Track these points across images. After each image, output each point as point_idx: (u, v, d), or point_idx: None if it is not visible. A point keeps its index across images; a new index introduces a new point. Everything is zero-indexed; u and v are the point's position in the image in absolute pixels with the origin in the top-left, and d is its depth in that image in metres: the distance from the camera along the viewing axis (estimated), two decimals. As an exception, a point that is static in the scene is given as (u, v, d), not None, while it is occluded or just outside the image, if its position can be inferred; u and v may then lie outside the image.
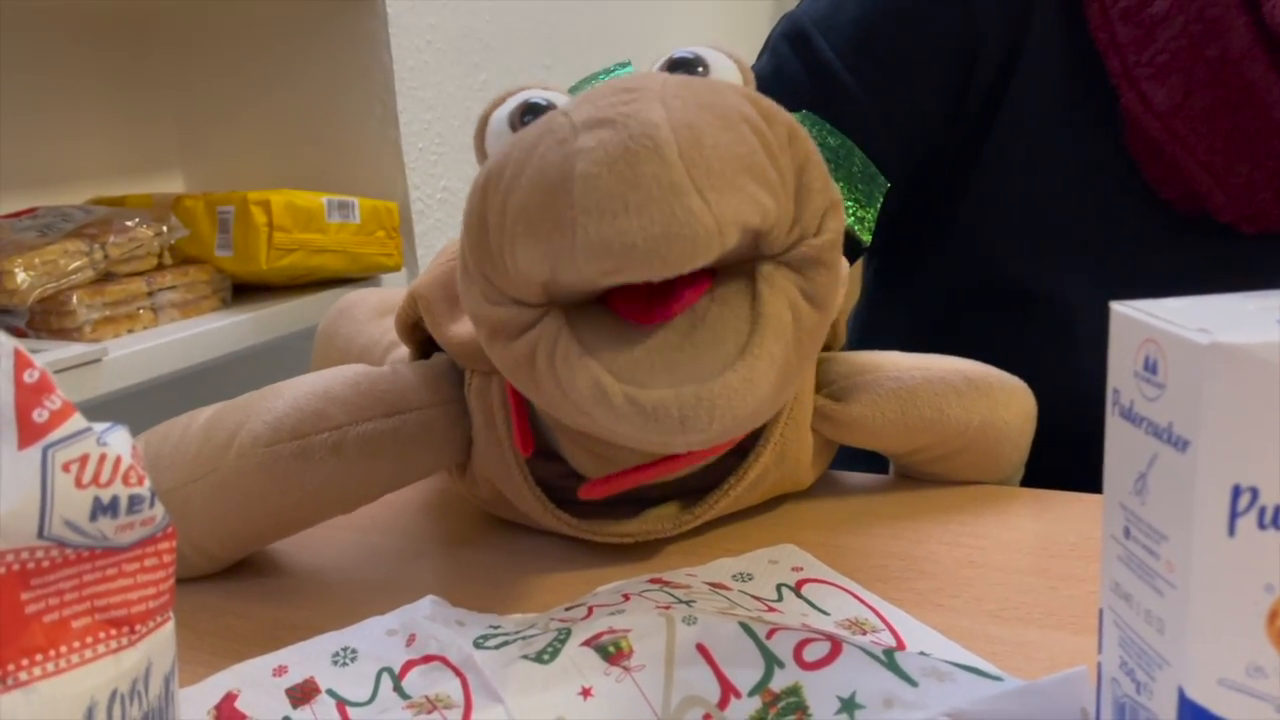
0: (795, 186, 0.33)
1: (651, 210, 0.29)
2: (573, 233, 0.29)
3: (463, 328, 0.44)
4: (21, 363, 0.25)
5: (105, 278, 0.88)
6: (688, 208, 0.29)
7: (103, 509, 0.26)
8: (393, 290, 0.69)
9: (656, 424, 0.32)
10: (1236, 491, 0.24)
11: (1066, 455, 0.53)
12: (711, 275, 0.34)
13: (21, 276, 0.81)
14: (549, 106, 0.35)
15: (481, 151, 0.36)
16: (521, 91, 0.36)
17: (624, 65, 0.45)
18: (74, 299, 0.84)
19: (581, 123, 0.30)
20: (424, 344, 0.50)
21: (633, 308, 0.33)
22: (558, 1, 1.45)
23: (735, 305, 0.33)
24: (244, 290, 1.02)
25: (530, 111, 0.35)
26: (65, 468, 0.25)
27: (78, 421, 0.25)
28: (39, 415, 0.25)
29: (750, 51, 0.66)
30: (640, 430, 0.32)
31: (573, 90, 0.44)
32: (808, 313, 0.34)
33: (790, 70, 0.62)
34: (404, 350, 0.53)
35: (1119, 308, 0.27)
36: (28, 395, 0.25)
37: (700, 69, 0.35)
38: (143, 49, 1.19)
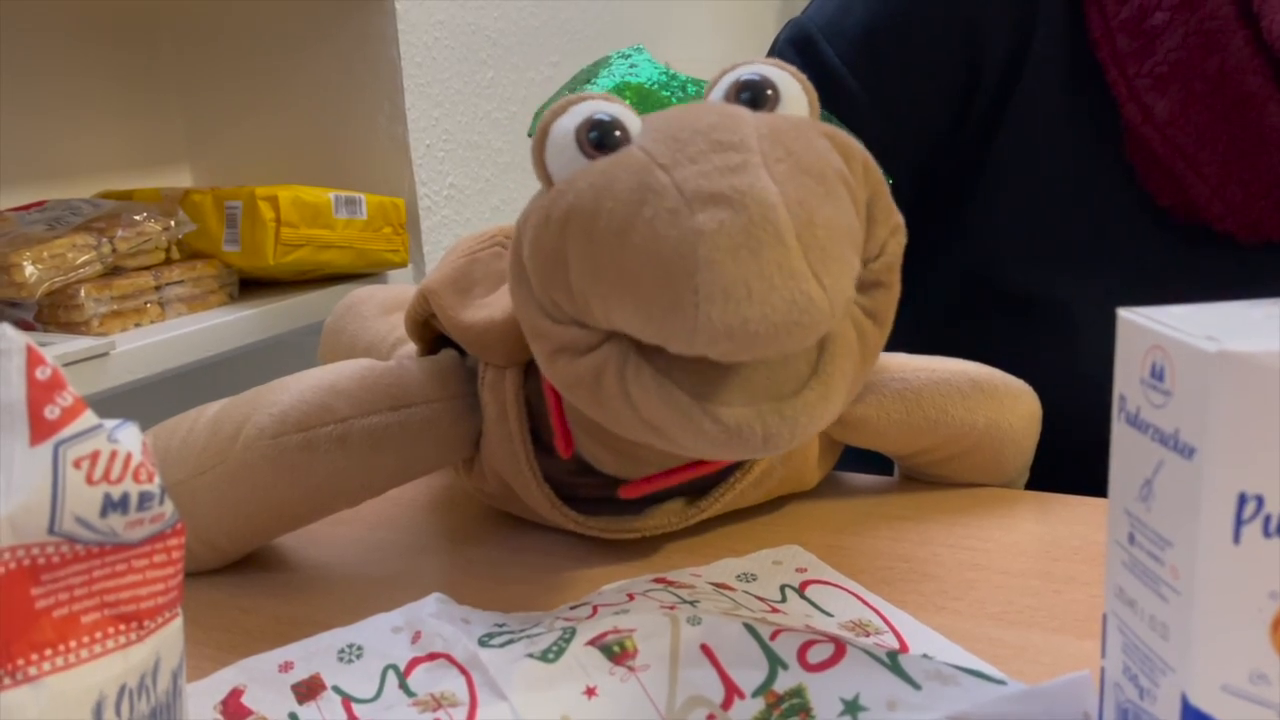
0: (866, 217, 0.34)
1: (773, 299, 0.29)
2: (694, 317, 0.29)
3: (475, 315, 0.44)
4: (34, 360, 0.25)
5: (113, 271, 0.88)
6: (807, 295, 0.29)
7: (113, 505, 0.26)
8: (400, 287, 0.70)
9: (741, 441, 0.32)
10: (1242, 499, 0.24)
11: (1069, 459, 0.53)
12: None
13: (30, 270, 0.82)
14: (614, 123, 0.34)
15: (541, 164, 0.35)
16: (583, 103, 0.35)
17: (638, 49, 0.45)
18: (82, 293, 0.84)
19: (693, 195, 0.30)
20: (432, 341, 0.50)
21: None
22: (566, -1, 1.46)
23: None
24: (251, 285, 1.03)
25: (596, 128, 0.34)
26: (76, 464, 0.25)
27: (89, 418, 0.25)
28: (51, 412, 0.25)
29: (755, 52, 0.66)
30: (722, 448, 0.33)
31: (586, 78, 0.44)
32: (870, 329, 0.35)
33: (796, 75, 0.62)
34: (410, 347, 0.53)
35: (1126, 314, 0.27)
36: (40, 392, 0.25)
37: (770, 92, 0.35)
38: (152, 44, 1.19)
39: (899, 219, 0.36)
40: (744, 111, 0.33)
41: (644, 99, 0.42)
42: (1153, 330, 0.26)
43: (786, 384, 0.33)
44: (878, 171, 0.35)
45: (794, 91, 0.35)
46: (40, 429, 0.25)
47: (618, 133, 0.34)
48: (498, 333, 0.43)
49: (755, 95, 0.35)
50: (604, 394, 0.34)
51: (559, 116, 0.35)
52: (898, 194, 0.45)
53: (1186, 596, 0.25)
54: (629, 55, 0.44)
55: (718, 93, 0.36)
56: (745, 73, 0.35)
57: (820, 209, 0.30)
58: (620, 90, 0.43)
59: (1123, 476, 0.28)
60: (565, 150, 0.34)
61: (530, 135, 0.42)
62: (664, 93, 0.43)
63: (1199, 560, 0.24)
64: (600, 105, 0.34)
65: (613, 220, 0.31)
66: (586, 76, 0.43)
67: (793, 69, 0.36)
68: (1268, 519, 0.24)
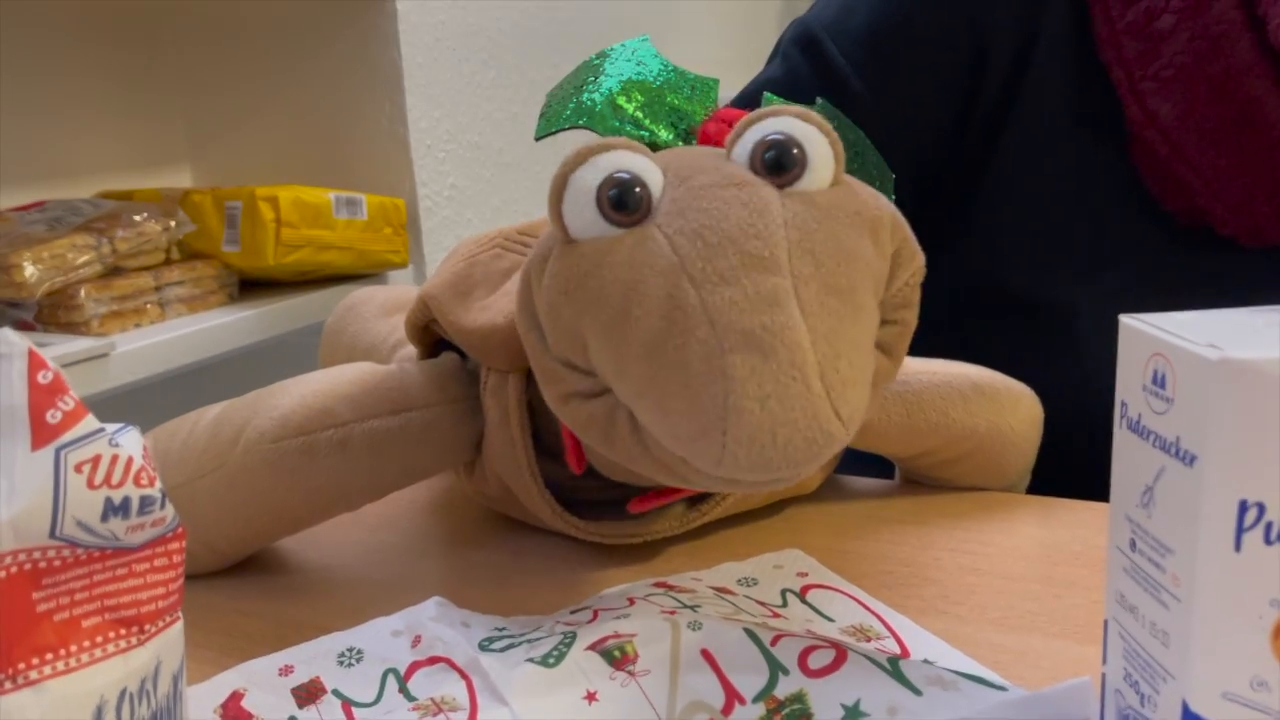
0: (890, 272, 0.35)
1: (796, 440, 0.30)
2: (720, 453, 0.30)
3: (478, 318, 0.44)
4: (35, 364, 0.25)
5: (113, 272, 0.89)
6: (828, 433, 0.30)
7: (114, 510, 0.26)
8: (400, 288, 0.70)
9: (750, 486, 0.33)
10: (1243, 506, 0.24)
11: (1070, 462, 0.53)
12: None
13: (30, 270, 0.82)
14: (634, 181, 0.33)
15: (558, 215, 0.34)
16: (604, 154, 0.34)
17: (642, 40, 0.44)
18: (82, 293, 0.85)
19: (724, 329, 0.30)
20: (433, 346, 0.50)
21: None
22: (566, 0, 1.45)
23: None
24: (251, 286, 1.03)
25: (616, 187, 0.33)
26: (78, 469, 0.25)
27: (90, 423, 0.25)
28: (52, 416, 0.25)
29: (759, 52, 0.66)
30: (733, 485, 0.33)
31: (592, 74, 0.43)
32: (883, 362, 0.36)
33: (800, 75, 0.62)
34: (411, 349, 0.53)
35: (1128, 320, 0.27)
36: (41, 396, 0.25)
37: (795, 151, 0.34)
38: (152, 44, 1.19)
39: (920, 260, 0.36)
40: (771, 200, 0.33)
41: (652, 100, 0.42)
42: (1154, 337, 0.26)
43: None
44: (904, 227, 0.35)
45: (821, 150, 0.34)
46: (42, 433, 0.25)
47: (638, 190, 0.33)
48: (500, 337, 0.43)
49: (781, 157, 0.34)
50: (616, 435, 0.34)
51: (579, 167, 0.34)
52: (900, 195, 0.45)
53: (1187, 603, 0.25)
54: (634, 49, 0.43)
55: (741, 150, 0.35)
56: (770, 131, 0.34)
57: (844, 334, 0.31)
58: (627, 90, 0.42)
59: (1124, 483, 0.28)
60: (585, 208, 0.33)
61: (537, 138, 0.42)
62: (671, 93, 0.42)
63: (1200, 567, 0.24)
64: (621, 160, 0.34)
65: (640, 331, 0.32)
66: (590, 73, 0.43)
67: (819, 120, 0.35)
68: (1269, 526, 0.24)
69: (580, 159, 0.34)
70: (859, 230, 0.33)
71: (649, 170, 0.34)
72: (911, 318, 0.37)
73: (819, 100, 0.44)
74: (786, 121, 0.34)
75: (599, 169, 0.33)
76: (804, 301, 0.31)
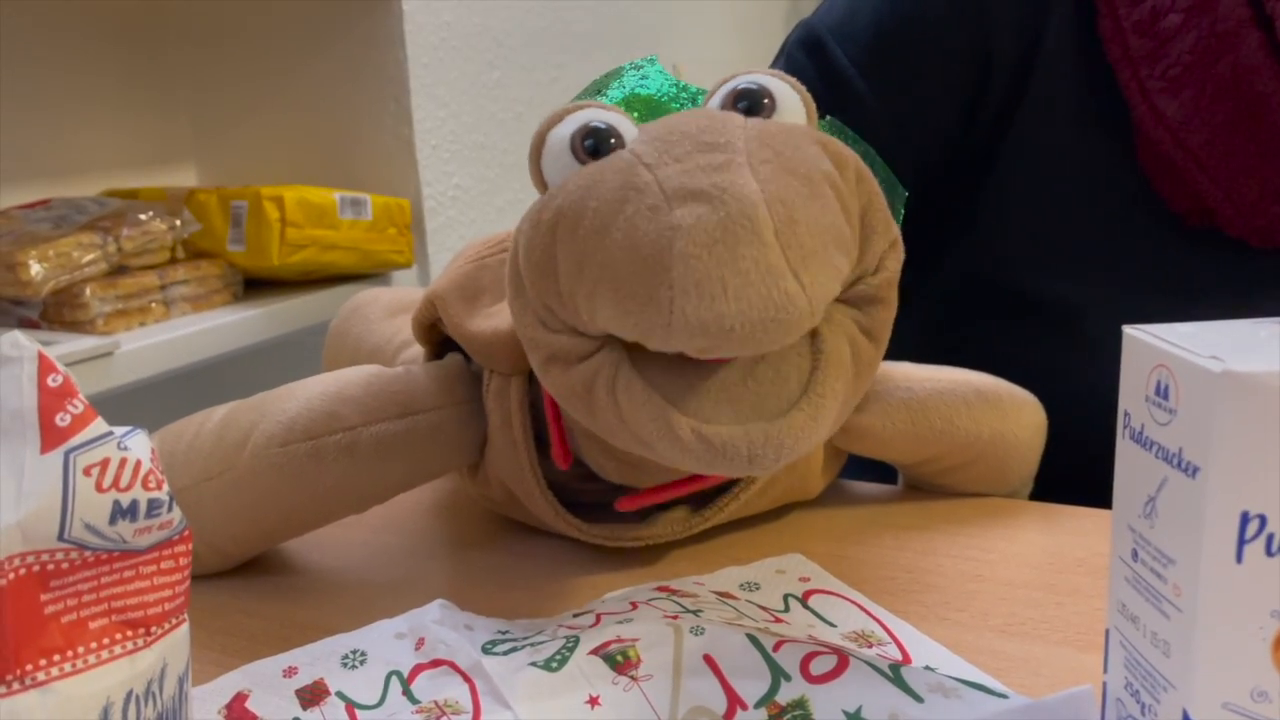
0: (859, 228, 0.34)
1: (749, 294, 0.29)
2: (669, 311, 0.29)
3: (482, 324, 0.44)
4: (45, 367, 0.25)
5: (118, 270, 0.89)
6: (785, 291, 0.29)
7: (122, 512, 0.26)
8: (405, 289, 0.70)
9: (725, 460, 0.32)
10: (1245, 518, 0.24)
11: (1073, 464, 0.53)
12: None
13: (35, 268, 0.82)
14: (610, 131, 0.34)
15: (537, 171, 0.35)
16: (580, 111, 0.35)
17: (650, 60, 0.45)
18: (87, 291, 0.85)
19: (673, 192, 0.30)
20: (439, 347, 0.50)
21: None
22: (572, 0, 1.45)
23: (796, 343, 0.33)
24: (255, 285, 1.03)
25: (591, 136, 0.34)
26: (86, 471, 0.25)
27: (99, 426, 0.26)
28: (61, 419, 0.25)
29: (764, 54, 0.66)
30: (705, 465, 0.33)
31: (597, 89, 0.44)
32: (865, 347, 0.35)
33: (805, 77, 0.62)
34: (416, 350, 0.53)
35: (1131, 331, 0.27)
36: (51, 399, 0.25)
37: (766, 100, 0.35)
38: (158, 43, 1.19)
39: (897, 233, 0.36)
40: (735, 116, 0.33)
41: (654, 111, 0.42)
42: (1158, 348, 0.26)
43: (775, 403, 0.33)
44: (873, 182, 0.34)
45: (791, 101, 0.35)
46: (51, 436, 0.25)
47: (613, 140, 0.34)
48: (504, 342, 0.43)
49: (752, 104, 0.35)
50: (595, 404, 0.34)
51: (555, 125, 0.35)
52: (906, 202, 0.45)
53: (1189, 614, 0.25)
54: (641, 66, 0.44)
55: (715, 101, 0.36)
56: (742, 81, 0.35)
57: (804, 208, 0.30)
58: (630, 102, 0.43)
59: (1126, 493, 0.28)
60: (560, 158, 0.34)
61: None
62: (674, 105, 0.43)
63: (1201, 578, 0.24)
64: (597, 114, 0.35)
65: (596, 218, 0.32)
66: (597, 88, 0.43)
67: (792, 79, 0.36)
68: (1270, 538, 0.24)
69: (556, 118, 0.35)
70: (820, 151, 0.33)
71: (623, 122, 0.35)
72: (893, 297, 0.36)
73: (827, 117, 0.44)
74: (758, 76, 0.36)
75: (573, 123, 0.35)
76: (758, 172, 0.30)
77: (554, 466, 0.46)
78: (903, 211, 0.45)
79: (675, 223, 0.29)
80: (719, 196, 0.29)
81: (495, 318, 0.44)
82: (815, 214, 0.31)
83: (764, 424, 0.32)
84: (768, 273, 0.29)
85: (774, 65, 0.66)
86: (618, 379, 0.33)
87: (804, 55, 0.63)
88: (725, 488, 0.47)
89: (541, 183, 0.35)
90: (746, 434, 0.32)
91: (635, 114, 0.42)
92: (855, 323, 0.35)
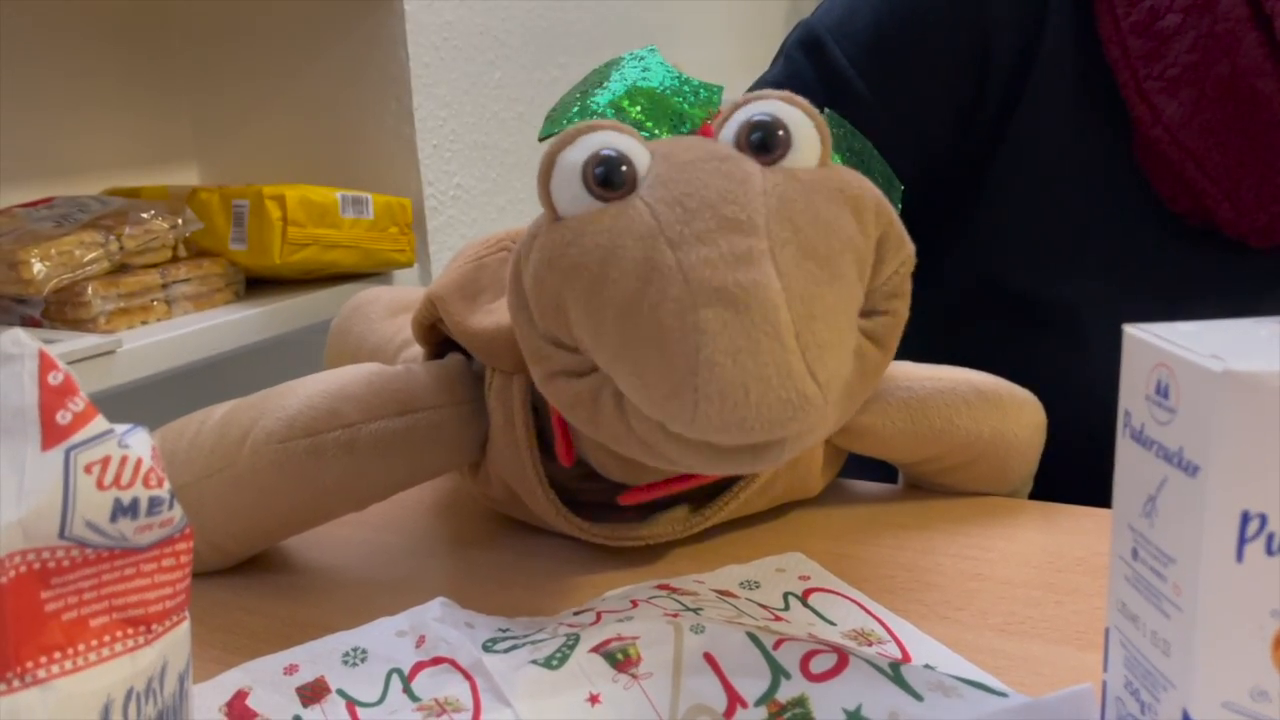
0: (875, 256, 0.34)
1: (770, 400, 0.30)
2: (693, 411, 0.30)
3: (483, 322, 0.44)
4: (46, 365, 0.25)
5: (120, 269, 0.89)
6: (803, 394, 0.30)
7: (123, 510, 0.26)
8: (406, 289, 0.70)
9: (731, 460, 0.32)
10: (1245, 518, 0.24)
11: (1074, 468, 0.53)
12: None
13: (38, 267, 0.82)
14: (620, 159, 0.33)
15: (547, 194, 0.35)
16: (591, 134, 0.35)
17: (651, 50, 0.45)
18: (89, 290, 0.85)
19: (698, 287, 0.30)
20: (439, 345, 0.50)
21: None
22: (573, 0, 1.45)
23: None
24: (257, 284, 1.03)
25: (603, 164, 0.33)
26: (87, 469, 0.25)
27: (100, 423, 0.26)
28: (62, 417, 0.25)
29: (764, 53, 0.66)
30: (712, 466, 0.33)
31: (599, 80, 0.44)
32: (872, 352, 0.36)
33: (804, 78, 0.62)
34: (417, 349, 0.53)
35: (1132, 330, 0.27)
36: (52, 397, 0.25)
37: (781, 133, 0.34)
38: (160, 42, 1.19)
39: (910, 249, 0.36)
40: (753, 172, 0.33)
41: (656, 104, 0.42)
42: (1159, 348, 0.26)
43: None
44: (889, 211, 0.35)
45: (806, 132, 0.35)
46: (52, 434, 0.25)
47: (624, 168, 0.33)
48: (505, 340, 0.43)
49: (766, 137, 0.34)
50: (601, 414, 0.35)
51: (566, 148, 0.34)
52: (904, 197, 0.45)
53: (1189, 613, 0.25)
54: (641, 57, 0.44)
55: (728, 131, 0.35)
56: (757, 112, 0.35)
57: (821, 298, 0.31)
58: (632, 95, 0.42)
59: (1126, 492, 0.28)
60: (571, 185, 0.34)
61: (540, 138, 0.42)
62: (676, 98, 0.43)
63: (1201, 577, 0.24)
64: (608, 139, 0.34)
65: (617, 293, 0.32)
66: (598, 79, 0.43)
67: (805, 104, 0.35)
68: (1270, 537, 0.24)
69: (568, 139, 0.35)
70: (840, 205, 0.33)
71: (635, 149, 0.34)
72: (903, 308, 0.36)
73: (826, 110, 0.44)
74: (772, 104, 0.35)
75: (585, 148, 0.34)
76: (780, 262, 0.31)
77: (555, 465, 0.46)
78: (899, 205, 0.45)
79: (701, 326, 0.30)
80: (743, 300, 0.30)
81: (496, 314, 0.44)
82: (832, 302, 0.32)
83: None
84: (788, 377, 0.30)
85: (773, 65, 0.66)
86: (625, 395, 0.34)
87: (803, 55, 0.63)
88: (725, 486, 0.47)
89: (550, 206, 0.35)
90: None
91: (638, 107, 0.41)
92: (862, 329, 0.35)
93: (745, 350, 0.30)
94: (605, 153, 0.34)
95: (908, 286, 0.36)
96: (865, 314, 0.35)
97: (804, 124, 0.34)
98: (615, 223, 0.33)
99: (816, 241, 0.32)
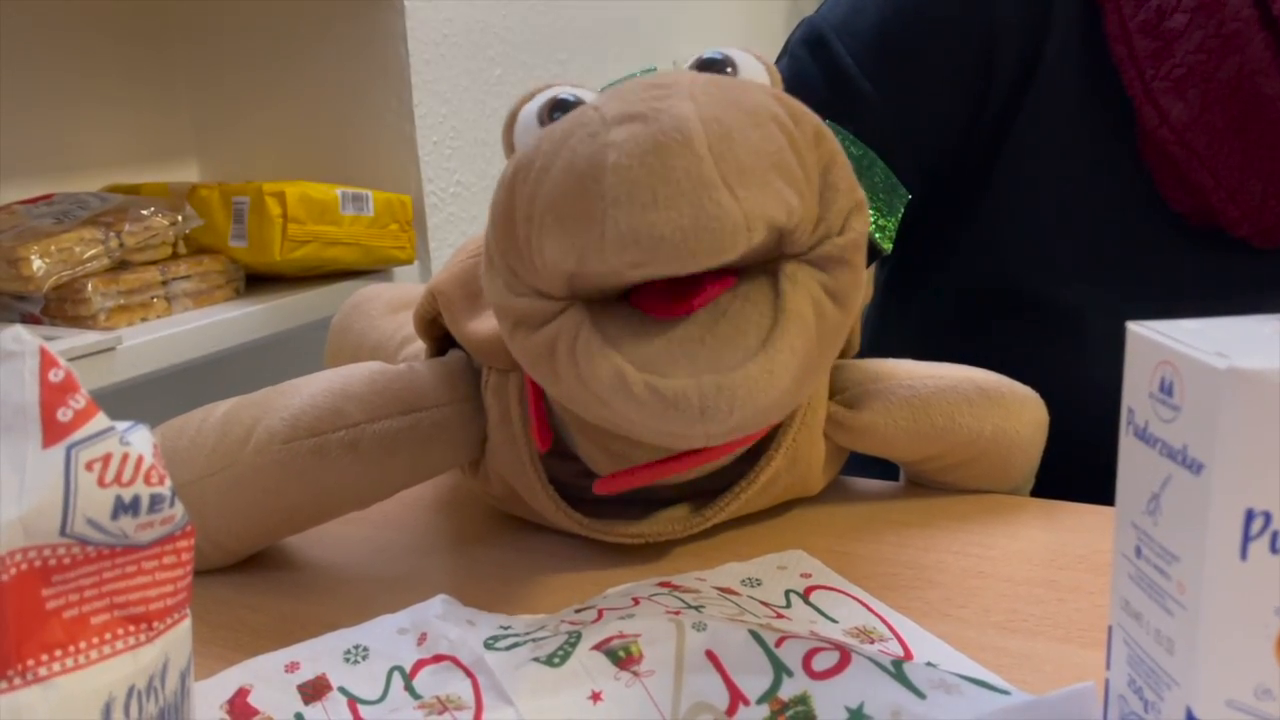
0: (820, 186, 0.33)
1: (681, 203, 0.29)
2: (602, 224, 0.30)
3: (481, 324, 0.44)
4: (47, 362, 0.25)
5: (120, 266, 0.89)
6: (717, 201, 0.29)
7: (124, 508, 0.26)
8: (407, 286, 0.70)
9: (677, 412, 0.32)
10: (1249, 515, 0.24)
11: (1076, 466, 0.53)
12: (735, 274, 0.34)
13: (38, 263, 0.82)
14: (577, 103, 0.35)
15: (510, 147, 0.36)
16: (550, 88, 0.36)
17: (649, 70, 0.45)
18: (89, 287, 0.85)
19: (612, 117, 0.31)
20: (440, 340, 0.50)
21: (655, 303, 0.34)
22: (574, -4, 1.45)
23: (757, 301, 0.33)
24: (257, 281, 1.03)
25: (559, 108, 0.35)
26: (88, 467, 0.25)
27: (101, 421, 0.26)
28: (63, 415, 0.25)
29: (764, 51, 0.66)
30: (659, 420, 0.32)
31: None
32: (830, 309, 0.34)
33: (808, 76, 0.62)
34: (418, 346, 0.53)
35: (1136, 328, 0.27)
36: (53, 394, 0.25)
37: (729, 69, 0.35)
38: (160, 38, 1.19)
39: (862, 195, 0.35)
40: (684, 72, 0.34)
41: None
42: (1163, 345, 0.26)
43: (732, 357, 0.32)
44: (833, 141, 0.34)
45: (755, 70, 0.36)
46: (53, 431, 0.25)
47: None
48: (501, 342, 0.43)
49: (714, 71, 0.35)
50: (558, 366, 0.34)
51: (527, 102, 0.36)
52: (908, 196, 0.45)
53: (1192, 611, 0.25)
54: (650, 72, 0.44)
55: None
56: (709, 52, 0.36)
57: (742, 130, 0.30)
58: None
59: (1130, 490, 0.28)
60: (530, 130, 0.36)
61: None
62: None
63: (1205, 575, 0.24)
64: (565, 89, 0.36)
65: (544, 157, 0.32)
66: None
67: (759, 53, 0.36)
68: (1275, 535, 0.24)
69: (526, 97, 0.36)
70: (771, 99, 0.33)
71: (589, 95, 0.36)
72: (860, 260, 0.35)
73: (826, 121, 0.44)
74: (726, 48, 0.36)
75: (543, 98, 0.36)
76: (698, 100, 0.31)
77: (554, 462, 0.46)
78: (901, 211, 0.45)
79: (609, 140, 0.30)
80: (653, 115, 0.30)
81: (493, 316, 0.44)
82: (755, 139, 0.31)
83: (716, 376, 0.32)
84: (699, 183, 0.29)
85: (777, 63, 0.66)
86: (578, 339, 0.34)
87: (807, 53, 0.63)
88: (726, 485, 0.47)
89: (512, 152, 0.36)
90: (699, 385, 0.32)
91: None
92: (820, 284, 0.34)
93: (653, 153, 0.29)
94: (561, 96, 0.35)
95: (863, 237, 0.35)
96: (821, 265, 0.34)
97: (752, 64, 0.35)
98: (556, 122, 0.33)
99: (741, 99, 0.32)
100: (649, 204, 0.29)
